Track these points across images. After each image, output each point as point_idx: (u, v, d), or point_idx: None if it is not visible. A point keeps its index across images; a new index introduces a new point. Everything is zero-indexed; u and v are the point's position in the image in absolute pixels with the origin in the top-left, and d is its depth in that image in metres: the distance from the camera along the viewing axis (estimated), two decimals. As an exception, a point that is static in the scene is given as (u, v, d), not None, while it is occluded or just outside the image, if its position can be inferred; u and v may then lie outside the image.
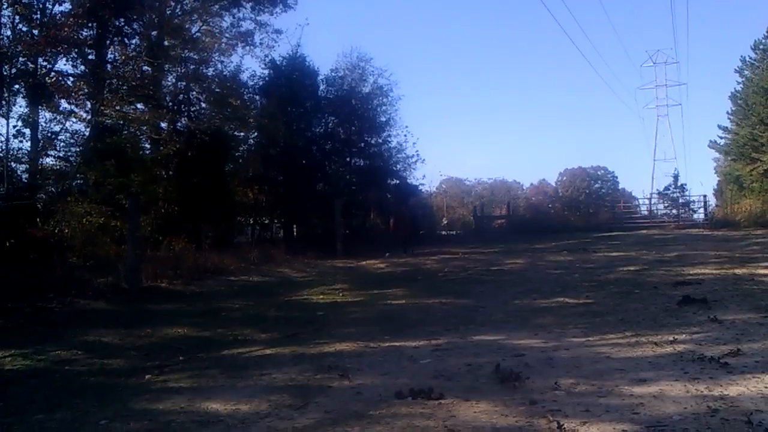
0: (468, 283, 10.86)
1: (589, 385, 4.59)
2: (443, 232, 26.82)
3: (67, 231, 11.96)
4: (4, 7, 14.17)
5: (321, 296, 9.92)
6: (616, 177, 68.41)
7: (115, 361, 6.20)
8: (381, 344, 6.43)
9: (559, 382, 4.62)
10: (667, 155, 61.27)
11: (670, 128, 72.33)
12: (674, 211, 27.64)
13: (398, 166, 24.14)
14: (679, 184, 27.93)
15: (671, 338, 5.90)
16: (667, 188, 28.23)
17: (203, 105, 18.72)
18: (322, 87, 23.10)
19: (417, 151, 24.30)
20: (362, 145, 23.53)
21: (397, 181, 19.49)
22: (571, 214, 33.74)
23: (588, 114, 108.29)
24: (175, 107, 17.28)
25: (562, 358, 5.43)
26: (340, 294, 10.04)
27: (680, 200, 27.60)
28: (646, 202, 30.82)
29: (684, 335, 6.03)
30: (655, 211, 29.08)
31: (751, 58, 31.21)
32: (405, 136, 24.27)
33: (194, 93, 18.44)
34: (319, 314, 8.45)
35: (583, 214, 33.43)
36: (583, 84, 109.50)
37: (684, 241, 16.90)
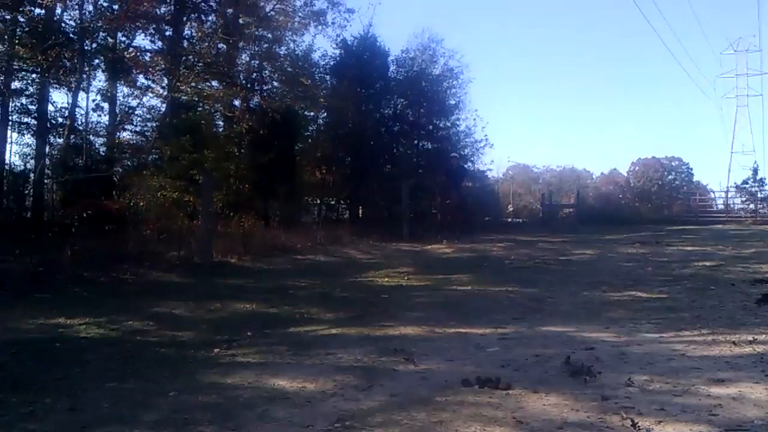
0: (535, 271, 10.65)
1: (663, 382, 4.42)
2: (509, 219, 26.47)
3: (142, 204, 12.33)
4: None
5: (386, 279, 9.92)
6: (691, 169, 65.73)
7: (186, 333, 6.35)
8: (447, 330, 6.37)
9: (632, 378, 4.46)
10: (745, 147, 58.44)
11: (750, 119, 69.08)
12: (752, 206, 26.44)
13: (466, 151, 23.87)
14: (758, 177, 26.75)
15: (750, 338, 5.62)
16: (745, 182, 27.07)
17: (275, 84, 18.99)
18: (392, 68, 22.97)
19: (486, 135, 23.94)
20: (430, 127, 23.34)
21: (453, 159, 18.14)
22: (642, 205, 32.83)
23: (664, 103, 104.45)
24: (249, 85, 17.55)
25: (634, 354, 5.24)
26: (405, 277, 10.02)
27: (759, 195, 26.39)
28: (722, 195, 29.56)
29: (764, 335, 5.73)
30: (732, 205, 27.85)
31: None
32: (474, 120, 23.93)
33: (267, 72, 18.70)
34: (384, 297, 8.45)
35: (655, 206, 32.52)
36: (659, 71, 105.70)
37: (762, 238, 16.13)
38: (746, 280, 9.07)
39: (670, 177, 66.31)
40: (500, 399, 4.11)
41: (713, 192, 31.96)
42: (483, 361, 5.13)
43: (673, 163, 67.62)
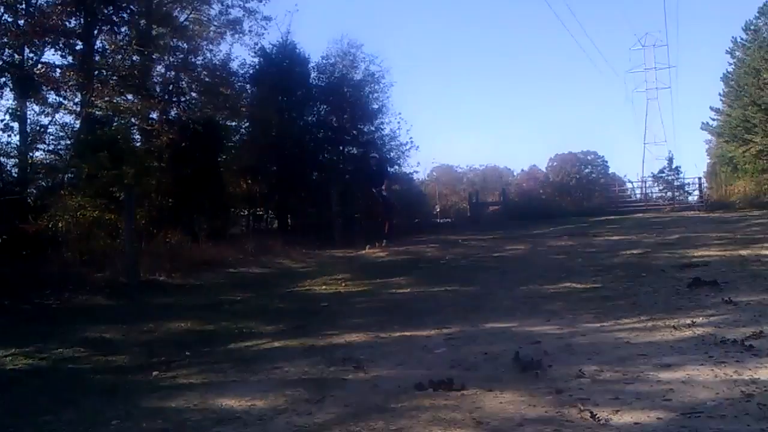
0: (471, 270, 10.73)
1: (613, 371, 4.48)
2: (439, 220, 26.68)
3: (61, 225, 11.73)
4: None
5: (323, 287, 9.75)
6: (606, 162, 67.98)
7: (120, 357, 6.03)
8: (391, 334, 6.30)
9: (583, 369, 4.51)
10: (657, 138, 61.11)
11: (660, 111, 72.39)
12: (669, 194, 27.65)
13: (392, 154, 23.93)
14: (673, 166, 28.01)
15: (689, 321, 5.79)
16: (661, 171, 28.27)
17: (193, 94, 18.49)
18: (313, 75, 22.73)
19: (411, 138, 24.06)
20: (355, 132, 23.24)
21: (372, 159, 17.09)
22: (562, 198, 33.73)
23: (577, 99, 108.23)
24: (166, 97, 17.02)
25: (580, 345, 5.31)
26: (343, 284, 9.88)
27: (675, 183, 27.63)
28: (641, 185, 30.79)
29: (701, 318, 5.92)
30: (651, 194, 29.03)
31: (742, 39, 31.19)
32: (398, 123, 24.00)
33: (184, 82, 18.18)
34: (324, 305, 8.30)
35: (574, 199, 33.45)
36: (572, 69, 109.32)
37: (683, 224, 16.83)
38: (674, 265, 9.39)
39: (587, 170, 68.46)
40: (456, 400, 4.05)
41: (631, 182, 33.17)
42: (432, 363, 5.08)
43: (588, 157, 69.84)
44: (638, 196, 29.67)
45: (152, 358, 5.93)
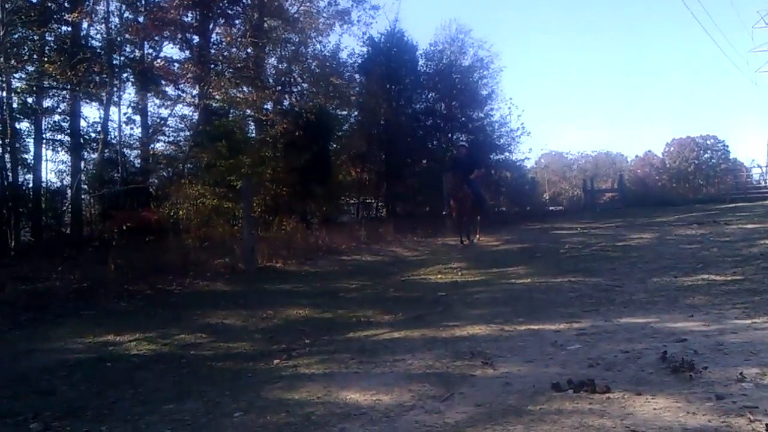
0: (594, 260, 10.13)
1: (778, 376, 3.95)
2: (550, 208, 25.85)
3: (182, 213, 12.13)
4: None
5: (439, 275, 9.50)
6: (727, 146, 63.66)
7: (241, 344, 6.02)
8: (517, 327, 5.94)
9: (743, 372, 3.99)
10: (782, 121, 56.63)
11: (786, 92, 66.82)
12: (802, 180, 25.49)
13: (502, 140, 23.41)
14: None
15: None
16: (796, 154, 26.06)
17: (304, 85, 18.70)
18: (421, 62, 22.55)
19: (522, 124, 23.39)
20: (464, 119, 22.87)
21: (461, 149, 14.97)
22: (679, 185, 31.97)
23: (696, 80, 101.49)
24: (279, 88, 17.27)
25: (733, 344, 4.76)
26: (459, 273, 9.59)
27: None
28: (770, 170, 28.52)
29: None
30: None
31: None
32: (509, 108, 23.40)
33: (296, 73, 18.42)
34: (441, 294, 8.04)
35: (692, 186, 31.67)
36: (690, 49, 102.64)
37: (826, 211, 15.36)
38: (825, 256, 8.48)
39: (706, 155, 64.60)
40: (602, 404, 3.67)
41: (760, 167, 30.77)
42: (567, 360, 4.70)
43: (708, 142, 65.79)
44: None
45: (273, 345, 5.89)
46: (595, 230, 14.39)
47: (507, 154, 23.56)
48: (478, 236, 13.56)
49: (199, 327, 6.80)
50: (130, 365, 5.38)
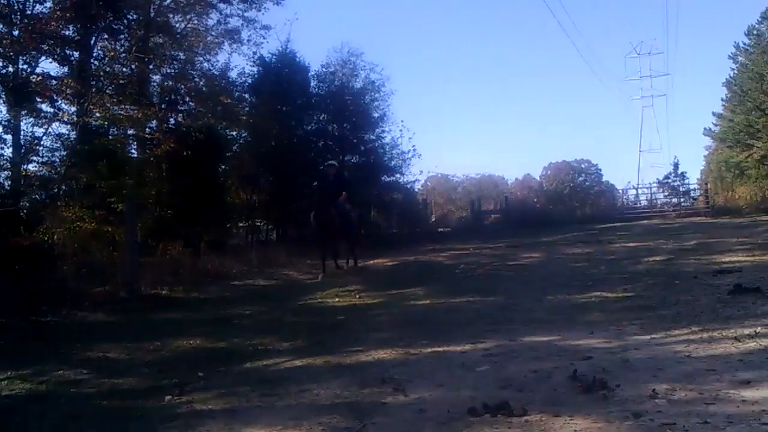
0: (489, 279, 10.25)
1: (687, 390, 4.00)
2: (440, 229, 26.24)
3: (56, 237, 11.20)
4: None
5: (336, 299, 9.26)
6: (600, 170, 67.59)
7: (127, 380, 5.52)
8: (422, 350, 5.79)
9: (654, 388, 4.01)
10: (652, 146, 61.14)
11: (656, 119, 72.19)
12: (675, 200, 27.27)
13: (393, 162, 23.58)
14: (679, 172, 27.73)
15: (750, 332, 5.33)
16: (666, 177, 27.92)
17: (192, 104, 18.02)
18: (313, 83, 22.45)
19: (414, 146, 23.71)
20: (356, 141, 22.88)
21: (329, 168, 13.97)
22: (555, 207, 33.47)
23: (572, 108, 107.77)
24: (164, 106, 16.53)
25: (638, 360, 4.83)
26: (357, 296, 9.40)
27: (681, 188, 27.26)
28: (646, 191, 30.40)
29: (760, 328, 5.46)
30: (654, 200, 28.60)
31: (744, 44, 30.87)
32: (400, 131, 23.65)
33: (182, 91, 17.73)
34: (341, 318, 7.81)
35: (567, 207, 33.22)
36: (567, 78, 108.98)
37: (695, 230, 16.42)
38: (705, 272, 8.99)
39: (580, 179, 68.34)
40: (521, 428, 3.57)
41: (635, 188, 32.81)
42: (477, 383, 4.59)
43: (582, 165, 69.61)
44: (643, 202, 29.25)
45: (163, 380, 5.43)
46: (486, 250, 14.64)
47: (398, 175, 23.73)
48: (354, 262, 12.69)
49: (79, 362, 6.21)
50: (1, 407, 4.78)
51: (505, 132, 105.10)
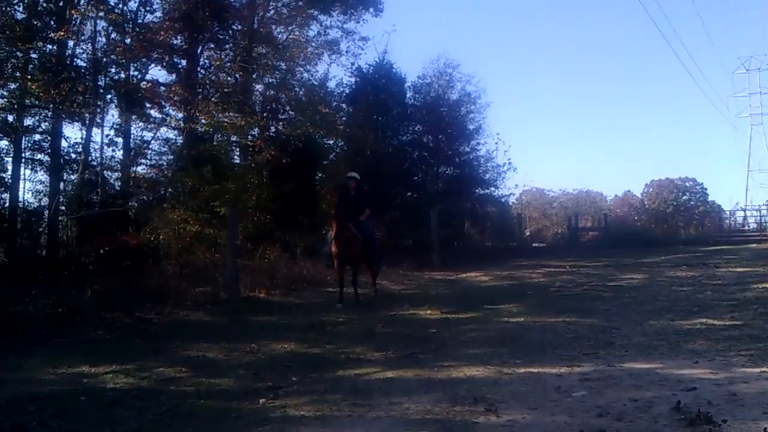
0: (587, 299, 9.91)
1: (804, 432, 3.70)
2: (534, 244, 25.75)
3: (162, 238, 11.76)
4: (99, 17, 14.29)
5: (428, 311, 9.20)
6: (705, 189, 64.58)
7: (224, 380, 5.68)
8: (516, 370, 5.65)
9: (765, 427, 3.74)
10: (762, 166, 57.53)
11: (766, 137, 67.98)
12: (787, 224, 25.65)
13: (488, 175, 23.33)
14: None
15: None
16: (778, 198, 26.32)
17: (291, 113, 18.53)
18: (409, 94, 22.53)
19: (509, 159, 23.35)
20: (450, 153, 22.80)
21: (350, 181, 11.34)
22: (657, 226, 32.14)
23: (676, 124, 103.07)
24: (266, 114, 17.07)
25: (747, 394, 4.52)
26: (448, 309, 9.31)
27: (796, 211, 25.66)
28: (754, 213, 28.73)
29: None
30: (765, 224, 26.89)
31: None
32: (496, 144, 23.39)
33: (283, 100, 18.26)
34: (432, 331, 7.74)
35: (670, 226, 31.86)
36: (672, 92, 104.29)
37: (813, 256, 15.35)
38: (824, 302, 8.33)
39: (684, 197, 65.35)
40: (621, 460, 3.39)
41: (744, 210, 31.05)
42: (573, 408, 4.43)
43: (687, 184, 66.59)
44: (752, 225, 27.62)
45: (258, 382, 5.55)
46: (583, 269, 14.21)
47: (492, 189, 23.46)
48: (373, 284, 11.03)
49: (179, 360, 6.45)
50: (106, 400, 5.02)
51: (605, 147, 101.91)
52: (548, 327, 7.77)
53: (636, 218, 37.76)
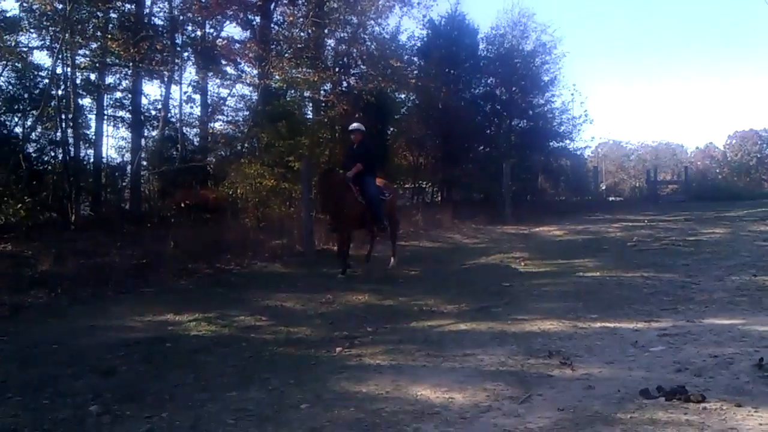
0: (666, 254, 9.66)
1: None
2: (610, 198, 25.10)
3: (240, 192, 12.07)
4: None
5: (501, 264, 9.19)
6: (793, 140, 61.09)
7: (301, 329, 5.87)
8: (591, 324, 5.61)
9: None
10: None
11: None
12: None
13: (563, 128, 22.77)
14: None
15: None
16: None
17: (363, 67, 18.47)
18: (481, 46, 22.00)
19: (585, 111, 22.70)
20: (524, 105, 22.31)
21: (357, 127, 9.87)
22: (740, 179, 30.75)
23: (762, 70, 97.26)
24: (338, 69, 17.07)
25: (837, 353, 4.36)
26: (522, 263, 9.27)
27: None
28: None
29: None
30: None
31: None
32: (572, 95, 22.80)
33: (355, 55, 18.19)
34: (505, 285, 7.74)
35: (753, 180, 30.46)
36: (757, 36, 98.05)
37: None
38: None
39: (769, 150, 61.99)
40: (699, 415, 3.36)
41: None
42: (651, 363, 4.38)
43: (773, 135, 63.14)
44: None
45: (334, 332, 5.71)
46: (662, 223, 13.81)
47: (567, 141, 22.90)
48: (393, 255, 9.62)
49: (258, 309, 6.69)
50: (190, 347, 5.27)
51: (686, 97, 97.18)
52: (625, 282, 7.64)
53: (718, 171, 36.14)
